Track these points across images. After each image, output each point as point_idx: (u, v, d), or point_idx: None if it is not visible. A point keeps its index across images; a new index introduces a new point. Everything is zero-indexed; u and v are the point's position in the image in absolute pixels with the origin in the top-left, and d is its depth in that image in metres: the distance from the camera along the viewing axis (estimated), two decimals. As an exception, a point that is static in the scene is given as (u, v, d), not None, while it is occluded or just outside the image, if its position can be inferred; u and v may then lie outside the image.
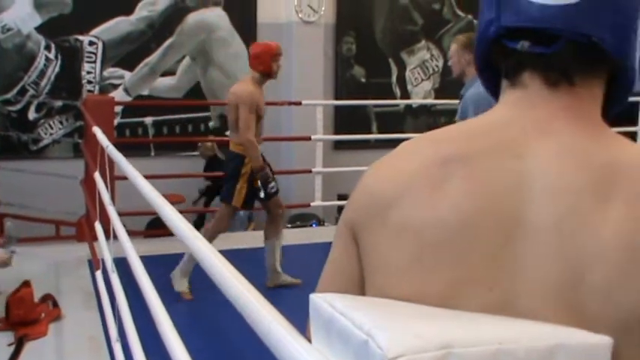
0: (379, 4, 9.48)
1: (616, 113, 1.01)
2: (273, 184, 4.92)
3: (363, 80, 9.45)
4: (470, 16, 9.90)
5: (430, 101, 9.69)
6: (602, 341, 0.75)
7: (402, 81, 9.67)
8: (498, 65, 0.98)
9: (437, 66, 9.82)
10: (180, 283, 4.91)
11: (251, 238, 6.27)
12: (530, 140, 0.89)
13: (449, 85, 9.70)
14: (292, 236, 6.47)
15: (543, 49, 0.91)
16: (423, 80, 9.78)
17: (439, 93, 9.73)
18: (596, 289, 0.80)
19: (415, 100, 9.69)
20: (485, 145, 0.90)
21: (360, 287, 0.94)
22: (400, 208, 0.89)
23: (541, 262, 0.82)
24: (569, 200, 0.83)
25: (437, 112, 9.82)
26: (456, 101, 9.54)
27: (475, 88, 4.16)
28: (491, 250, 0.84)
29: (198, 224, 7.74)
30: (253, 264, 5.45)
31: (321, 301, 0.77)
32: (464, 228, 0.85)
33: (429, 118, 9.79)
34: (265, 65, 4.85)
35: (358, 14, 9.40)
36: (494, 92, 1.01)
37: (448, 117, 9.75)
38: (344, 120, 9.17)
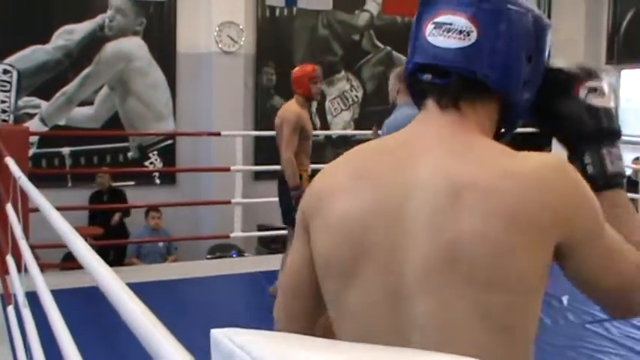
0: (299, 35, 9.59)
1: (509, 135, 1.34)
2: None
3: (283, 110, 9.49)
4: (389, 48, 10.10)
5: (350, 132, 9.81)
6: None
7: (321, 111, 9.77)
8: (414, 90, 1.32)
9: (356, 96, 9.96)
10: None
11: (169, 270, 6.21)
12: (419, 156, 1.21)
13: (369, 115, 9.86)
14: (212, 267, 6.46)
15: (440, 81, 1.24)
16: (342, 110, 9.90)
17: (359, 123, 9.86)
18: (463, 250, 1.13)
19: (335, 131, 9.79)
20: (387, 162, 1.24)
21: (310, 266, 1.29)
22: (329, 205, 1.24)
23: (421, 231, 1.16)
24: (433, 200, 1.16)
25: (357, 142, 9.80)
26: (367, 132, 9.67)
27: (393, 115, 4.31)
28: (383, 232, 1.19)
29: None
30: (173, 296, 5.40)
31: (221, 336, 0.78)
32: (366, 219, 1.20)
33: (348, 148, 9.82)
34: (304, 88, 5.09)
35: (278, 45, 9.47)
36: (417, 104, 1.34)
37: (367, 147, 9.88)
38: (264, 150, 9.17)
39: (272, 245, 8.43)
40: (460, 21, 1.22)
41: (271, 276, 6.10)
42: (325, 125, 9.76)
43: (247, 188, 8.58)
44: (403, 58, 10.09)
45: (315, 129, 9.60)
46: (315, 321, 1.36)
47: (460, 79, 1.22)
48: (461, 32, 1.22)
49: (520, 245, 1.12)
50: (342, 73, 9.87)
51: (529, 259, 1.13)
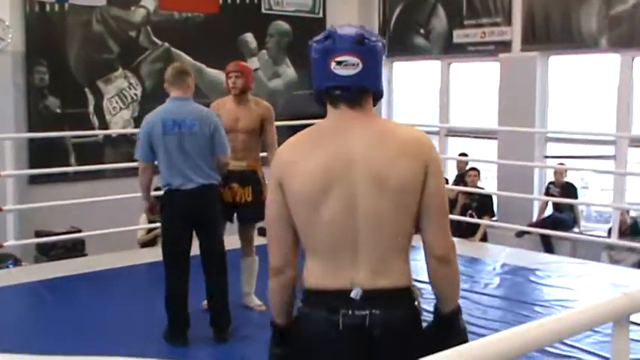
0: (72, 32, 9.20)
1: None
2: None
3: (59, 111, 9.08)
4: (167, 44, 9.96)
5: (130, 130, 9.58)
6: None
7: (99, 110, 9.46)
8: (326, 99, 2.20)
9: (135, 94, 9.74)
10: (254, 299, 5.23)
11: None
12: (347, 129, 2.14)
13: (148, 113, 9.66)
14: (-15, 280, 6.05)
15: (345, 94, 2.16)
16: (121, 109, 9.64)
17: (139, 121, 9.62)
18: (384, 173, 2.07)
19: (114, 130, 9.52)
20: (330, 136, 2.16)
21: (286, 207, 2.15)
22: (295, 166, 2.12)
23: (360, 168, 2.07)
24: (367, 145, 2.10)
25: (137, 141, 9.70)
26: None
27: None
28: (340, 171, 2.08)
29: None
30: None
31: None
32: (326, 167, 2.09)
33: (129, 147, 9.63)
34: (225, 83, 5.31)
35: (50, 42, 9.04)
36: (325, 111, 2.21)
37: (149, 145, 9.70)
38: (39, 153, 8.75)
39: (52, 252, 8.06)
40: (352, 59, 2.13)
41: (51, 284, 5.84)
42: (104, 124, 9.46)
43: (23, 193, 8.16)
44: (182, 54, 10.03)
45: (93, 129, 9.33)
46: (293, 245, 2.20)
47: (357, 90, 2.16)
48: (353, 65, 2.13)
49: (411, 167, 2.12)
50: (120, 70, 9.61)
51: (415, 174, 2.12)
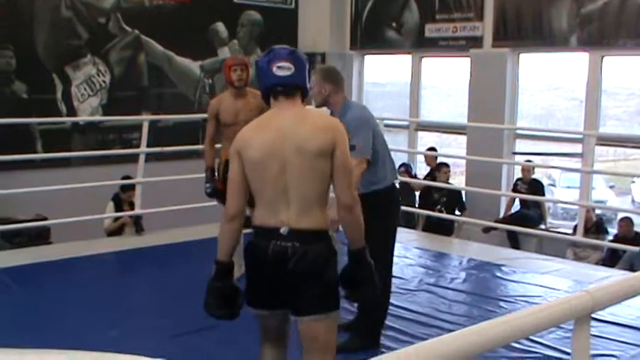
0: (39, 17, 9.08)
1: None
2: (206, 185, 5.42)
3: (25, 96, 8.96)
4: (136, 31, 9.87)
5: (98, 118, 9.50)
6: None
7: (67, 97, 9.34)
8: (270, 95, 3.01)
9: (104, 81, 9.64)
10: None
11: None
12: (282, 115, 2.94)
13: (117, 100, 9.59)
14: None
15: (282, 90, 2.98)
16: (90, 96, 9.54)
17: (107, 109, 9.56)
18: (305, 144, 2.84)
19: (82, 118, 9.42)
20: (272, 121, 2.96)
21: (242, 170, 2.91)
22: (249, 141, 2.91)
23: (288, 142, 2.86)
24: (294, 125, 2.90)
25: (105, 128, 9.63)
26: (125, 117, 9.35)
27: (350, 113, 4.17)
28: (276, 144, 2.87)
29: None
30: None
31: None
32: (268, 142, 2.88)
33: (97, 135, 9.56)
34: (226, 76, 5.44)
35: (16, 27, 8.91)
36: (268, 103, 3.05)
37: (117, 133, 9.62)
38: (5, 139, 8.61)
39: (16, 239, 7.96)
40: (287, 64, 2.96)
41: (15, 272, 5.77)
42: (72, 111, 9.35)
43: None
44: (151, 41, 9.96)
45: (60, 116, 9.22)
46: (245, 199, 2.96)
47: (291, 86, 2.98)
48: (288, 69, 2.96)
49: (324, 139, 2.86)
50: (89, 57, 9.50)
51: (327, 145, 2.86)
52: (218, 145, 5.62)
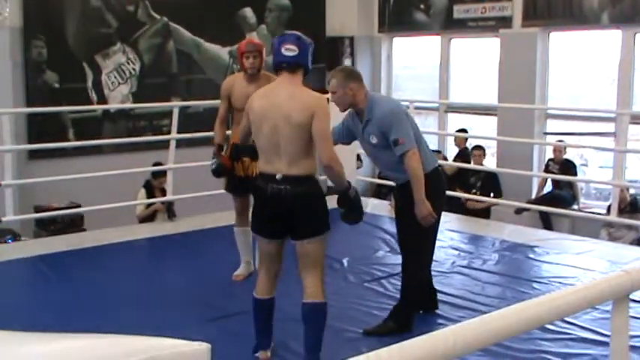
0: (69, 7, 9.16)
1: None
2: (212, 161, 5.25)
3: (57, 86, 9.06)
4: (165, 18, 9.91)
5: (128, 105, 9.56)
6: (200, 347, 0.80)
7: (98, 85, 9.43)
8: (278, 69, 3.85)
9: (134, 69, 9.71)
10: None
11: None
12: (281, 87, 3.79)
13: (147, 87, 9.64)
14: (-16, 254, 6.06)
15: (287, 67, 3.79)
16: (120, 84, 9.61)
17: (137, 97, 9.63)
18: (292, 115, 3.65)
19: (113, 105, 9.49)
20: (272, 91, 3.82)
21: (249, 121, 3.88)
22: (253, 103, 3.83)
23: (280, 110, 3.68)
24: (285, 99, 3.71)
25: (136, 115, 9.71)
26: (156, 104, 9.42)
27: (379, 110, 4.20)
28: (271, 109, 3.71)
29: None
30: None
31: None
32: (266, 105, 3.74)
33: (127, 122, 9.64)
34: (240, 63, 5.29)
35: (47, 17, 9.00)
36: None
37: (148, 120, 9.69)
38: (38, 128, 8.73)
39: (51, 227, 8.08)
40: (293, 47, 3.76)
41: (50, 259, 5.85)
42: (102, 99, 9.43)
43: (23, 168, 8.15)
44: (180, 29, 10.00)
45: (91, 104, 9.30)
46: (250, 135, 3.92)
47: (295, 64, 3.77)
48: (293, 50, 3.75)
49: (305, 115, 3.63)
50: (118, 45, 9.57)
51: (307, 116, 3.63)
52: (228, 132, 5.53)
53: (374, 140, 4.28)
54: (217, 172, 5.19)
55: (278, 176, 3.68)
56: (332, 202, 3.86)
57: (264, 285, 3.92)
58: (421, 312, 4.64)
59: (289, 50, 3.72)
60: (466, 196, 8.83)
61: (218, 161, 5.15)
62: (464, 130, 9.73)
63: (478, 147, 9.31)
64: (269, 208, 3.76)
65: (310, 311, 3.78)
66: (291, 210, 3.70)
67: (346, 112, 4.42)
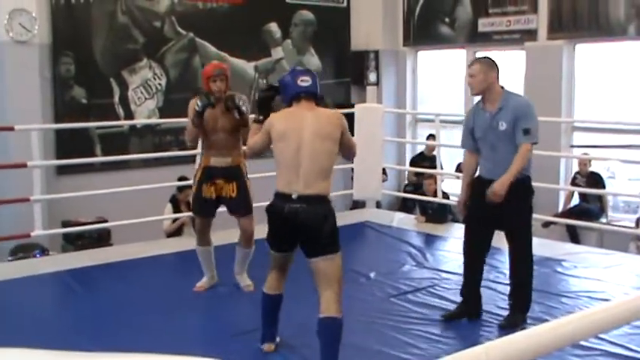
0: (97, 23, 9.26)
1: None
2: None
3: (84, 101, 9.15)
4: (191, 34, 9.99)
5: (155, 120, 9.63)
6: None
7: (124, 101, 9.51)
8: (293, 100, 4.12)
9: (160, 84, 9.78)
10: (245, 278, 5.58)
11: None
12: (303, 111, 4.04)
13: (173, 102, 9.70)
14: (14, 269, 6.11)
15: (306, 95, 4.11)
16: (146, 99, 9.69)
17: (163, 112, 9.69)
18: (320, 130, 3.98)
19: (139, 120, 9.57)
20: (295, 115, 4.05)
21: (269, 140, 4.08)
22: (275, 124, 4.04)
23: (307, 129, 3.96)
24: (312, 119, 4.00)
25: (162, 131, 9.76)
26: (182, 120, 9.49)
27: (515, 99, 4.65)
28: (294, 130, 3.97)
29: None
30: None
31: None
32: (289, 127, 3.99)
33: (154, 137, 9.70)
34: (205, 86, 5.26)
35: (75, 34, 9.10)
36: (289, 105, 4.15)
37: (174, 135, 9.74)
38: (65, 143, 8.82)
39: (79, 242, 8.13)
40: (307, 78, 4.11)
41: (78, 274, 5.89)
42: (129, 115, 9.51)
43: (51, 183, 8.23)
44: (206, 44, 10.07)
45: (118, 119, 9.38)
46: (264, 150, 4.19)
47: (310, 93, 4.11)
48: (308, 81, 4.10)
49: (333, 128, 4.02)
50: (145, 61, 9.66)
51: (336, 131, 4.02)
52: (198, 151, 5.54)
53: (503, 127, 4.58)
54: (204, 108, 5.16)
55: (294, 195, 3.87)
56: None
57: (273, 282, 4.19)
58: (465, 319, 4.78)
59: (304, 81, 4.09)
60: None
61: (208, 101, 5.17)
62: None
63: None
64: (285, 226, 3.94)
65: (325, 326, 3.88)
66: (305, 227, 3.88)
67: (465, 119, 4.96)
